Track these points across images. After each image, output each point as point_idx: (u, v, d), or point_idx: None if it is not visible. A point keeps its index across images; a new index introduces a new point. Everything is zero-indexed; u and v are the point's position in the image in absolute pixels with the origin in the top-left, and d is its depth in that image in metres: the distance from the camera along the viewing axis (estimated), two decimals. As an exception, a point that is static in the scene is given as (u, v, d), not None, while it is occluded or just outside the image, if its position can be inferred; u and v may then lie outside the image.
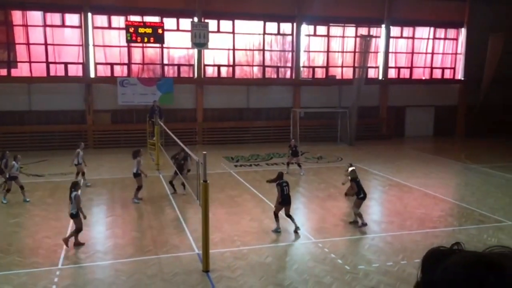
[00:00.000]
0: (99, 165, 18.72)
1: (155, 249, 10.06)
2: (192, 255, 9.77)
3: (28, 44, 22.06)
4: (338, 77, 26.69)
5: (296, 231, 10.98)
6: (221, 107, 25.01)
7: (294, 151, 17.32)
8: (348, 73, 26.74)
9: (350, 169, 12.39)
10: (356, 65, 25.94)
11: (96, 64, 23.13)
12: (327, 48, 26.34)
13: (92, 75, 23.00)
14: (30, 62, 22.19)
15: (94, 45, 22.89)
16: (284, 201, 11.01)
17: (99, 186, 15.46)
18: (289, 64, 25.97)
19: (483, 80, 27.05)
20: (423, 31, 27.82)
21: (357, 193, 11.56)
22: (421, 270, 0.95)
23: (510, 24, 25.97)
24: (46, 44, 22.17)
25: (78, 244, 10.13)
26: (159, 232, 11.18)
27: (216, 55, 24.71)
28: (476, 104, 27.68)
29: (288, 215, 11.07)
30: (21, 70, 22.21)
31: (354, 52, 26.37)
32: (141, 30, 22.21)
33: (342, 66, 26.79)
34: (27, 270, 8.92)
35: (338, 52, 26.61)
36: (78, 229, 10.16)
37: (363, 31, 26.29)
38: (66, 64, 22.62)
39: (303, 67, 26.11)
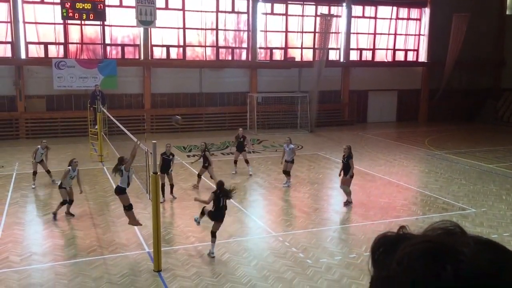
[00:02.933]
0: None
1: (100, 249, 9.87)
2: (142, 254, 9.66)
3: None
4: (298, 59, 26.96)
5: (209, 254, 9.50)
6: (171, 92, 24.68)
7: (240, 142, 15.82)
8: (308, 55, 27.07)
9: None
10: (316, 46, 26.26)
11: (27, 43, 22.15)
12: (285, 28, 26.51)
13: (23, 55, 22.03)
14: None
15: (24, 22, 21.88)
16: (215, 215, 9.59)
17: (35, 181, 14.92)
18: (244, 45, 25.94)
19: (446, 63, 28.16)
20: (385, 11, 28.52)
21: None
22: (372, 263, 0.93)
23: (475, 4, 27.12)
24: (-33, 20, 20.99)
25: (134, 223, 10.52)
26: (104, 230, 10.97)
27: (165, 35, 24.29)
28: (439, 88, 28.83)
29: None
30: None
31: (314, 32, 26.68)
32: (78, 5, 21.37)
33: (301, 48, 27.06)
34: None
35: (297, 32, 26.84)
36: (128, 206, 10.48)
37: (323, 9, 26.61)
38: (-9, 43, 21.55)
39: (260, 48, 26.17)
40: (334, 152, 19.76)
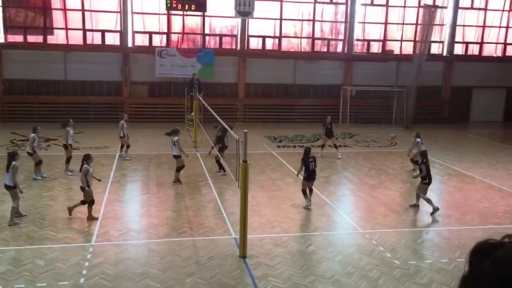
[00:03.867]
0: (134, 140, 19.25)
1: (191, 231, 10.32)
2: (228, 239, 9.95)
3: (64, 9, 22.77)
4: (396, 52, 25.96)
5: (307, 207, 11.75)
6: (265, 82, 24.97)
7: (328, 129, 16.94)
8: (408, 48, 25.95)
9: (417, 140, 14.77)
10: (417, 39, 25.10)
11: (134, 32, 23.59)
12: (385, 19, 25.60)
13: (129, 44, 23.49)
14: (66, 29, 22.93)
15: (132, 12, 23.31)
16: (308, 176, 11.81)
17: (134, 162, 15.95)
18: (341, 37, 25.48)
19: None
20: (496, 1, 26.41)
21: (423, 177, 11.81)
22: (468, 263, 0.97)
23: None
24: (83, 10, 22.80)
25: (91, 219, 10.64)
26: (195, 213, 11.44)
27: (262, 25, 24.58)
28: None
29: (310, 189, 11.90)
30: (57, 38, 23.00)
31: (416, 24, 25.50)
32: (182, -4, 22.34)
33: (401, 40, 26.01)
34: (60, 245, 9.41)
35: (398, 24, 25.81)
36: (83, 202, 10.71)
37: (427, 0, 25.27)
38: (103, 32, 23.22)
39: (357, 40, 25.55)
40: (430, 151, 18.76)
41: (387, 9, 25.51)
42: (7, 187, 10.40)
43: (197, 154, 17.18)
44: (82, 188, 10.80)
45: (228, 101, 24.45)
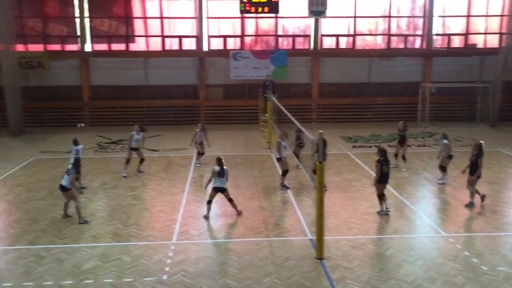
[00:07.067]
0: (210, 142, 19.77)
1: (266, 231, 10.41)
2: (304, 240, 9.92)
3: (145, 18, 23.90)
4: (480, 45, 24.56)
5: (386, 212, 11.29)
6: (338, 81, 24.64)
7: (402, 136, 15.15)
8: (493, 41, 24.48)
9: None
10: (503, 31, 23.60)
11: (209, 37, 24.21)
12: (467, 11, 24.33)
13: (205, 48, 24.15)
14: (146, 36, 24.05)
15: (207, 17, 23.95)
16: (381, 180, 11.27)
17: (211, 163, 16.32)
18: (419, 32, 24.55)
19: None
20: None
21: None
22: None
23: None
24: (161, 18, 23.79)
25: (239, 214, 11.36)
26: (270, 213, 11.52)
27: (335, 24, 24.27)
28: None
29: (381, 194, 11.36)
30: (138, 45, 24.19)
31: (502, 15, 23.98)
32: (255, -1, 22.63)
33: (485, 33, 24.58)
34: (144, 242, 9.88)
35: (481, 16, 24.42)
36: (230, 199, 11.33)
37: (514, -11, 23.68)
38: (180, 37, 24.07)
39: (437, 35, 24.48)
40: (520, 150, 17.58)
41: (469, 1, 24.21)
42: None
43: (271, 155, 17.30)
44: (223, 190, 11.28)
45: (301, 101, 24.39)
